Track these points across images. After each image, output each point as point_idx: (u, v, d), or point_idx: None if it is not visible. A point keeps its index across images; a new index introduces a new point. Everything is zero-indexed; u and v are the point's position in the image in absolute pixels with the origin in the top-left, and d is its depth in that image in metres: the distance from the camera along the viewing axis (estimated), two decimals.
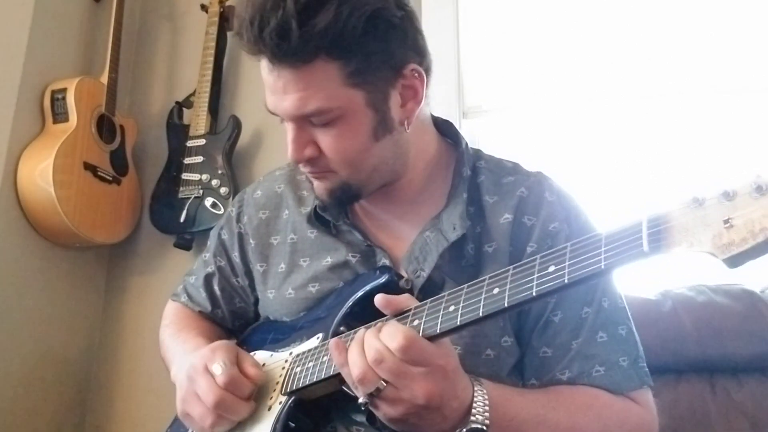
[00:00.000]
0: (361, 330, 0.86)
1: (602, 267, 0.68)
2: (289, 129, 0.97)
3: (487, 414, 0.82)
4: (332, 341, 0.86)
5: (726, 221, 0.61)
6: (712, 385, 1.51)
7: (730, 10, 1.92)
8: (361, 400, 0.81)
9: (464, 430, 0.81)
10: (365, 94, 0.94)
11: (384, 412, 0.81)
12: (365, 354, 0.80)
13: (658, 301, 1.57)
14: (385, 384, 0.79)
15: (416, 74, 0.98)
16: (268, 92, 0.97)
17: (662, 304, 1.56)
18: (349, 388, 0.86)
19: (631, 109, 1.99)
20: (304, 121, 0.95)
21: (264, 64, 0.94)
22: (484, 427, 0.81)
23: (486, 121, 2.12)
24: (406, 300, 0.87)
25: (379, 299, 0.86)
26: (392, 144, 0.99)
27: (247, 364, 0.97)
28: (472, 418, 0.81)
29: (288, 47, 0.89)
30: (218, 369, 0.93)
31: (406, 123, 0.99)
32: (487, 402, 0.83)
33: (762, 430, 1.43)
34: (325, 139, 0.96)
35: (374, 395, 0.80)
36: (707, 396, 1.50)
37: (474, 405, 0.82)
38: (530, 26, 2.12)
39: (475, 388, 0.84)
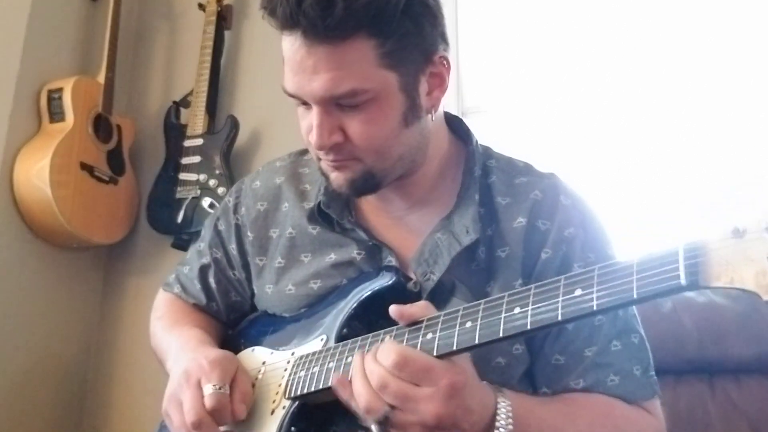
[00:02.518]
0: (357, 357, 0.83)
1: (635, 296, 0.65)
2: (315, 113, 0.92)
3: (510, 427, 0.80)
4: (334, 380, 0.85)
5: None
6: (712, 386, 1.51)
7: (732, 10, 1.92)
8: (374, 430, 0.79)
9: None
10: (398, 76, 0.91)
11: None
12: (369, 381, 0.78)
13: (657, 301, 1.57)
14: (391, 410, 0.77)
15: (444, 62, 0.97)
16: (291, 73, 0.92)
17: (662, 304, 1.56)
18: None
19: (630, 109, 1.99)
20: (331, 105, 0.91)
21: (292, 41, 0.89)
22: None
23: (485, 121, 2.12)
24: (421, 309, 0.84)
25: (393, 310, 0.84)
26: (418, 132, 0.97)
27: (238, 392, 0.94)
28: (497, 431, 0.80)
29: (331, 20, 0.85)
30: (209, 390, 0.91)
31: (433, 111, 0.98)
32: (510, 414, 0.81)
33: (762, 431, 1.44)
34: (354, 124, 0.92)
35: (384, 423, 0.78)
36: (707, 397, 1.50)
37: (497, 417, 0.80)
38: (529, 26, 2.13)
39: (498, 400, 0.82)
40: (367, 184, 0.98)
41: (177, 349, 1.06)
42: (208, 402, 0.90)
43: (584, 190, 1.07)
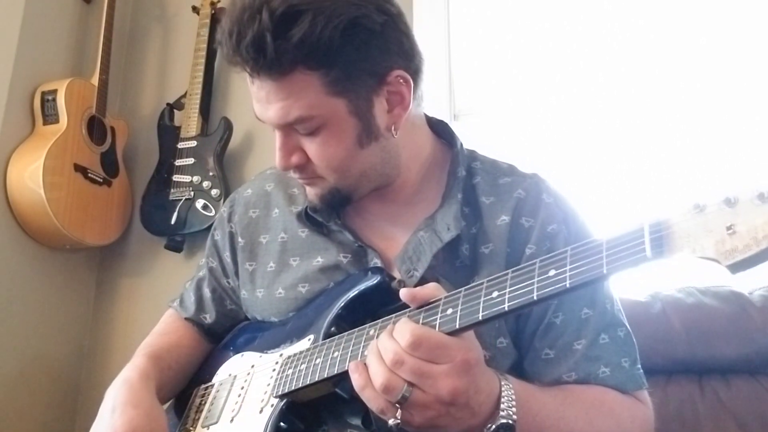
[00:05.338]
0: (373, 342, 0.82)
1: (604, 272, 0.68)
2: (276, 137, 0.98)
3: (514, 409, 0.81)
4: (351, 365, 0.82)
5: (728, 228, 0.61)
6: (701, 386, 1.52)
7: (728, 12, 1.94)
8: (391, 423, 0.77)
9: (493, 426, 0.80)
10: (347, 102, 0.94)
11: (416, 421, 0.78)
12: (383, 359, 0.78)
13: (647, 302, 1.58)
14: (410, 389, 0.76)
15: (401, 80, 0.97)
16: (254, 101, 0.98)
17: (651, 305, 1.57)
18: (344, 390, 0.84)
19: (622, 111, 2.00)
20: (289, 129, 0.96)
21: (245, 74, 0.95)
22: (512, 422, 0.80)
23: (477, 123, 2.13)
24: (432, 290, 0.84)
25: (404, 293, 0.83)
26: (379, 150, 1.00)
27: None
28: (501, 413, 0.80)
29: (264, 61, 0.89)
30: None
31: (393, 128, 0.99)
32: (513, 396, 0.82)
33: (750, 430, 1.44)
34: (311, 147, 0.97)
35: (402, 404, 0.76)
36: (696, 397, 1.51)
37: (501, 399, 0.81)
38: (521, 29, 2.14)
39: (502, 382, 0.83)
40: (336, 199, 1.03)
41: (117, 388, 1.07)
42: None
43: (569, 189, 1.09)
